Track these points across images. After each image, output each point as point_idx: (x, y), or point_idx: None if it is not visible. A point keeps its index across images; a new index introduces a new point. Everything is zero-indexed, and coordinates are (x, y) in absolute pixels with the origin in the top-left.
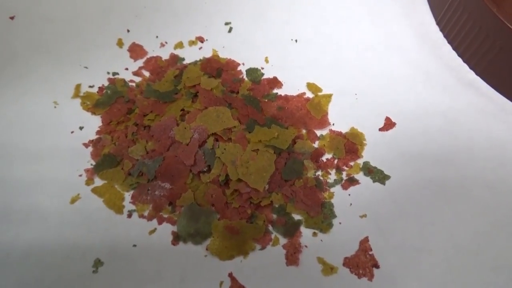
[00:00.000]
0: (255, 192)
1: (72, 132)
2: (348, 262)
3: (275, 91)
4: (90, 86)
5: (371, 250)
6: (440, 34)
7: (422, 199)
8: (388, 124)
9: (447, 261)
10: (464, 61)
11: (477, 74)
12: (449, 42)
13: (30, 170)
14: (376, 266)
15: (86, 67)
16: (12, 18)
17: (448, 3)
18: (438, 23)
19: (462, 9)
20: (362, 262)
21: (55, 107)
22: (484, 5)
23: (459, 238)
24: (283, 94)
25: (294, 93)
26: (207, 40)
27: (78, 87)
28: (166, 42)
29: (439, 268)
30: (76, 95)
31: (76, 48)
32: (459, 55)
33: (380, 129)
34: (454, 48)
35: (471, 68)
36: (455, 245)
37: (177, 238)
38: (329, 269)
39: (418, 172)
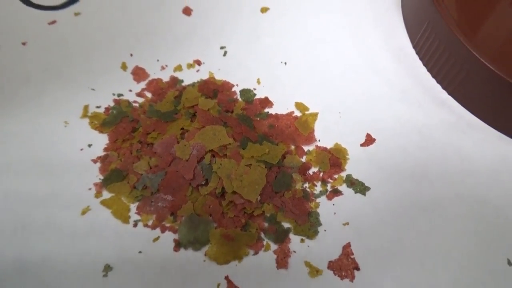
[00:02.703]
0: (248, 203)
1: (81, 149)
2: (332, 265)
3: (266, 110)
4: (97, 107)
5: (352, 254)
6: (416, 57)
7: (399, 209)
8: (369, 140)
9: (420, 264)
10: (438, 82)
11: (448, 93)
12: (424, 65)
13: (43, 185)
14: (357, 268)
15: (93, 89)
16: (24, 43)
17: (422, 30)
18: (414, 47)
19: (434, 36)
20: (345, 265)
21: (65, 126)
22: (452, 34)
23: (431, 243)
24: (273, 113)
25: (284, 111)
26: (204, 63)
27: (86, 107)
28: (166, 65)
29: (412, 269)
30: (84, 115)
31: (84, 71)
32: (433, 76)
33: (362, 145)
34: (429, 70)
35: (443, 88)
36: (427, 250)
37: (178, 245)
38: (315, 272)
39: (396, 184)
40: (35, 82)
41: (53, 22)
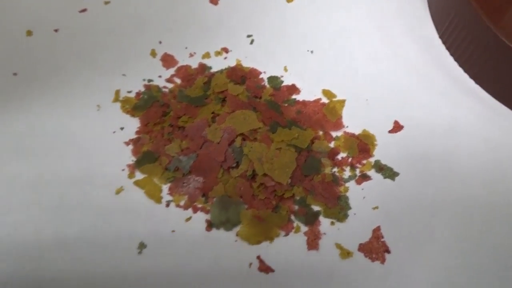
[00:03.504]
0: (279, 185)
1: (114, 132)
2: (363, 248)
3: (293, 96)
4: (128, 92)
5: (382, 237)
6: (443, 47)
7: (428, 194)
8: (397, 127)
9: (450, 248)
10: (465, 71)
11: (476, 82)
12: (451, 54)
13: (79, 166)
14: (388, 251)
15: (124, 75)
16: (56, 31)
17: (449, 19)
18: (440, 36)
19: (462, 24)
20: (375, 247)
21: (98, 110)
22: (482, 22)
23: (460, 228)
24: (301, 100)
25: (311, 98)
26: (231, 50)
27: (117, 92)
28: (194, 53)
29: (443, 255)
30: (116, 99)
31: (115, 58)
32: (460, 66)
33: (390, 131)
34: (456, 59)
35: (471, 77)
36: (457, 235)
37: (210, 225)
38: (345, 253)
39: (424, 169)
40: (67, 68)
41: (84, 10)
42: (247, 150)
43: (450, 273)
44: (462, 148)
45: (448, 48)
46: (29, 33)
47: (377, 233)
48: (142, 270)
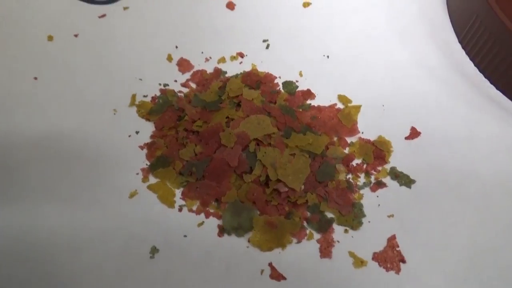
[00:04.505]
0: (292, 191)
1: (129, 136)
2: (377, 257)
3: (308, 102)
4: (144, 96)
5: (398, 246)
6: (463, 52)
7: (445, 202)
8: (414, 133)
9: (468, 259)
10: (486, 77)
11: (497, 88)
12: (471, 59)
13: (94, 169)
14: (403, 261)
15: (140, 79)
16: (76, 36)
17: (470, 23)
18: (461, 41)
19: (483, 29)
20: (390, 257)
21: (114, 114)
22: (504, 27)
23: (479, 238)
24: (316, 105)
25: (326, 104)
26: (246, 55)
27: (134, 96)
28: (210, 57)
29: (460, 264)
30: (132, 103)
31: (131, 62)
32: (480, 71)
33: (406, 138)
34: (476, 65)
35: (492, 83)
36: (475, 245)
37: (222, 231)
38: (359, 262)
39: (442, 177)
40: (86, 72)
41: (103, 15)
42: (260, 155)
43: (467, 284)
44: (482, 156)
45: (468, 53)
46: (50, 38)
47: (392, 242)
48: (154, 274)
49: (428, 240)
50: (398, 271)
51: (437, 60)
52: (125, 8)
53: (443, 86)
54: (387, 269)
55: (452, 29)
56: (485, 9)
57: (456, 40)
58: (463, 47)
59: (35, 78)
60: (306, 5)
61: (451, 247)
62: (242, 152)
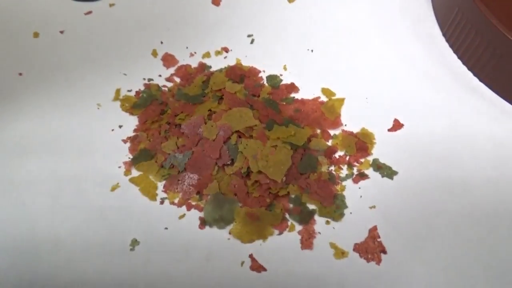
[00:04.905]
0: (273, 183)
1: (112, 130)
2: (358, 248)
3: (292, 95)
4: (129, 91)
5: (379, 237)
6: (446, 44)
7: (427, 193)
8: (397, 125)
9: (449, 248)
10: (468, 69)
11: (480, 80)
12: (454, 51)
13: (76, 162)
14: (384, 251)
15: (125, 74)
16: (62, 32)
17: (452, 16)
18: (444, 34)
19: (465, 21)
20: (371, 248)
21: (98, 108)
22: (485, 18)
23: (461, 229)
24: (299, 98)
25: (310, 97)
26: (231, 50)
27: (118, 91)
28: (195, 52)
29: (442, 254)
30: (116, 98)
31: (116, 57)
32: (463, 63)
33: (389, 130)
34: (459, 57)
35: (474, 74)
36: (456, 235)
37: (203, 223)
38: (340, 253)
39: (424, 169)
40: (71, 68)
41: (89, 12)
42: (242, 147)
43: (447, 274)
44: (464, 147)
45: (451, 46)
46: (36, 34)
47: (373, 233)
48: (134, 267)
49: (409, 231)
50: (378, 261)
51: (420, 52)
52: (111, 5)
53: (426, 78)
54: (368, 260)
55: (436, 21)
56: (467, 1)
57: (440, 32)
58: (447, 40)
59: (20, 74)
60: (291, 0)
61: (432, 237)
62: (224, 144)
